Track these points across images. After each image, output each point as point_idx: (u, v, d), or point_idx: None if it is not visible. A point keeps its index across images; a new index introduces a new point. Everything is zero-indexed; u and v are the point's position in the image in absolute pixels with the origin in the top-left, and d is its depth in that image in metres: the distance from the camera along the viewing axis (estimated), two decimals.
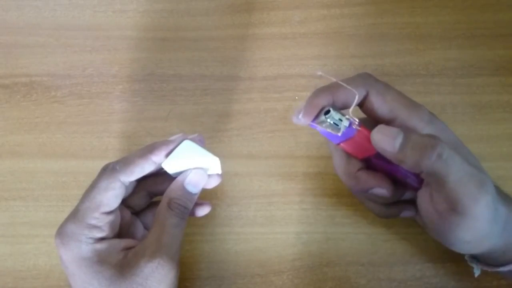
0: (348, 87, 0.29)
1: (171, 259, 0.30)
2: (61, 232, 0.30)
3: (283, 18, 0.47)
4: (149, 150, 0.32)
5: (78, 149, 0.43)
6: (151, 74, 0.45)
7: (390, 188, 0.30)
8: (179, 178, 0.33)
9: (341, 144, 0.30)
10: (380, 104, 0.30)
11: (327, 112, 0.29)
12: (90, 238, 0.30)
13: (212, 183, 0.35)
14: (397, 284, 0.38)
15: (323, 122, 0.29)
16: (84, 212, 0.31)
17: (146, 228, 0.36)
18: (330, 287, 0.38)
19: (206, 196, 0.40)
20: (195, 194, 0.33)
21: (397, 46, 0.45)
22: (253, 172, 0.41)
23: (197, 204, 0.36)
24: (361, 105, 0.31)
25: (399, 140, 0.27)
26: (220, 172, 0.35)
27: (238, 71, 0.45)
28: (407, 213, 0.33)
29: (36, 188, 0.42)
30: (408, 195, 0.33)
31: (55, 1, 0.49)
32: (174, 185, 0.33)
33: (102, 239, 0.31)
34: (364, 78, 0.31)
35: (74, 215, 0.31)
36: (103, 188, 0.31)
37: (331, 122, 0.29)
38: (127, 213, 0.35)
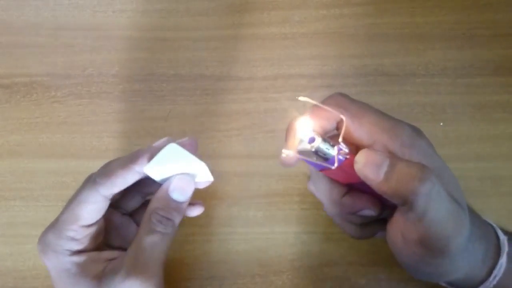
0: (333, 110, 0.27)
1: (147, 281, 0.28)
2: (41, 240, 0.30)
3: (283, 18, 0.47)
4: (131, 159, 0.29)
5: (78, 149, 0.43)
6: (151, 74, 0.45)
7: (377, 208, 0.29)
8: (163, 186, 0.30)
9: (325, 171, 0.28)
10: (357, 128, 0.27)
11: (311, 140, 0.26)
12: (68, 250, 0.29)
13: (202, 184, 0.33)
14: (397, 284, 0.38)
15: (308, 151, 0.26)
16: (63, 223, 0.29)
17: None
18: (330, 287, 0.38)
19: (206, 196, 0.40)
20: (183, 202, 0.30)
21: (397, 46, 0.45)
22: (253, 172, 0.41)
23: (189, 203, 0.33)
24: (337, 128, 0.29)
25: (383, 169, 0.25)
26: (211, 179, 0.32)
27: (238, 71, 0.45)
28: (381, 234, 0.31)
29: (36, 188, 0.42)
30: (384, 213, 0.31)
31: (55, 1, 0.49)
32: (158, 193, 0.30)
33: (81, 251, 0.30)
34: (337, 100, 0.28)
35: (54, 225, 0.30)
36: (83, 201, 0.29)
37: (317, 151, 0.26)
38: (117, 216, 0.33)
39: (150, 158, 0.29)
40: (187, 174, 0.30)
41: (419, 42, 0.45)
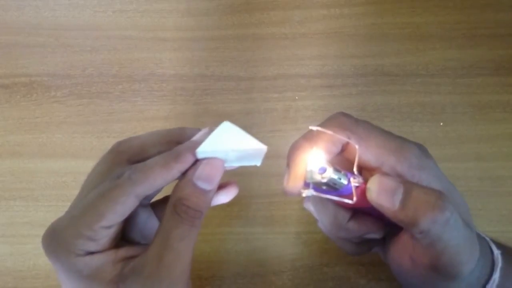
0: (342, 136, 0.26)
1: (175, 283, 0.25)
2: (49, 237, 0.26)
3: (283, 18, 0.47)
4: (173, 157, 0.26)
5: (78, 149, 0.43)
6: (151, 74, 0.45)
7: (381, 231, 0.28)
8: (188, 173, 0.26)
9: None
10: (364, 151, 0.26)
11: (323, 170, 0.25)
12: (82, 250, 0.25)
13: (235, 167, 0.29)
14: (397, 284, 0.38)
15: (318, 182, 0.25)
16: (81, 220, 0.25)
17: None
18: (330, 287, 0.38)
19: None
20: (210, 190, 0.26)
21: (397, 46, 0.45)
22: (253, 172, 0.41)
23: (219, 188, 0.29)
24: (341, 150, 0.27)
25: (398, 196, 0.24)
26: (259, 163, 0.29)
27: (238, 71, 0.45)
28: (376, 249, 0.31)
29: (36, 188, 0.42)
30: None
31: (55, 1, 0.49)
32: (182, 181, 0.26)
33: (96, 252, 0.26)
34: (342, 122, 0.27)
35: (69, 221, 0.26)
36: (110, 199, 0.25)
37: (329, 182, 0.25)
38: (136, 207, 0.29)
39: (194, 154, 0.26)
40: (215, 158, 0.27)
41: (419, 42, 0.45)
